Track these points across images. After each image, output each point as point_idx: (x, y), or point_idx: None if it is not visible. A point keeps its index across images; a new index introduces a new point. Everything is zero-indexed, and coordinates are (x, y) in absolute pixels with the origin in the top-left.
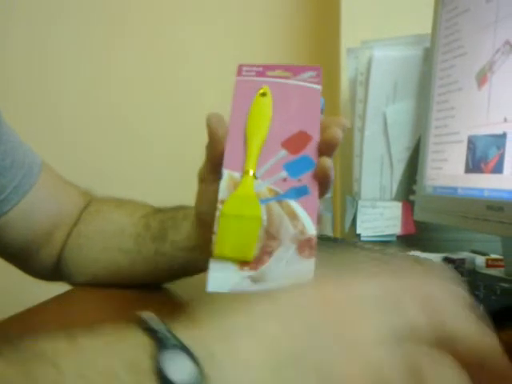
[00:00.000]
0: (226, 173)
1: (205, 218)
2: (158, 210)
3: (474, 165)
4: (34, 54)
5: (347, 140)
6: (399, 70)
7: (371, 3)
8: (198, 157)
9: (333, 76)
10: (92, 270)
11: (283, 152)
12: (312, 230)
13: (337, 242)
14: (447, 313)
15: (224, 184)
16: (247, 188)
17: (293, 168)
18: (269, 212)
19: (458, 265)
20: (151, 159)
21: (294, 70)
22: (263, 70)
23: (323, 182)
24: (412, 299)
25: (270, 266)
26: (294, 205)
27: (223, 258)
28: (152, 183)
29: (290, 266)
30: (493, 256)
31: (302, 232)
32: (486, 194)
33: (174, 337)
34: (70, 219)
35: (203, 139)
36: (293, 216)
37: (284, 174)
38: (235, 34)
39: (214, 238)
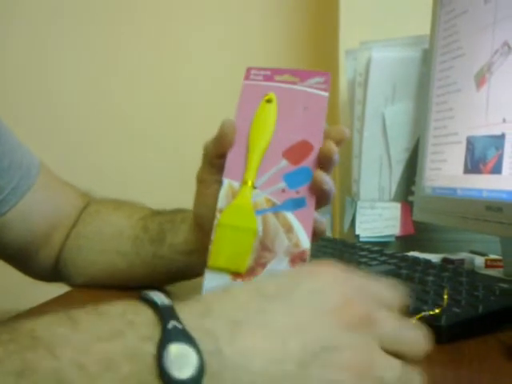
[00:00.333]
0: (226, 182)
1: (202, 221)
2: (157, 213)
3: (473, 165)
4: (34, 54)
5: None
6: (398, 71)
7: (370, 4)
8: (198, 157)
9: (331, 77)
10: (90, 271)
11: (284, 162)
12: (306, 244)
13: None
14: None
15: (223, 193)
16: (245, 198)
17: (292, 179)
18: (265, 223)
19: (457, 265)
20: (152, 159)
21: (301, 75)
22: (271, 74)
23: (319, 194)
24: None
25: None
26: (290, 217)
27: (217, 269)
28: (152, 183)
29: None
30: (492, 256)
31: (296, 245)
32: (484, 194)
33: (183, 326)
34: (68, 220)
35: (204, 140)
36: (288, 228)
37: (283, 184)
38: (234, 35)
39: (210, 247)
